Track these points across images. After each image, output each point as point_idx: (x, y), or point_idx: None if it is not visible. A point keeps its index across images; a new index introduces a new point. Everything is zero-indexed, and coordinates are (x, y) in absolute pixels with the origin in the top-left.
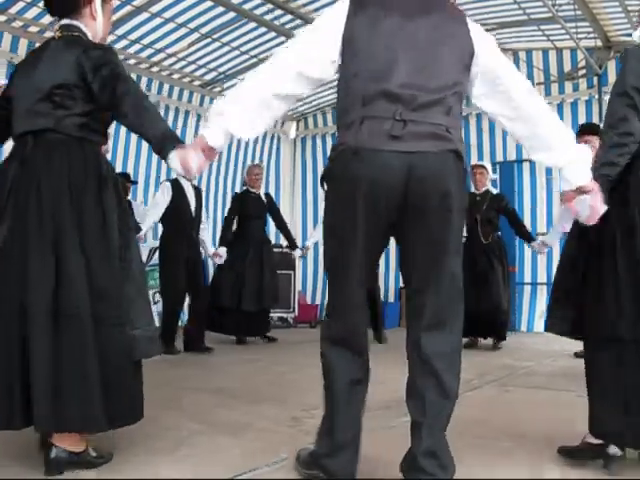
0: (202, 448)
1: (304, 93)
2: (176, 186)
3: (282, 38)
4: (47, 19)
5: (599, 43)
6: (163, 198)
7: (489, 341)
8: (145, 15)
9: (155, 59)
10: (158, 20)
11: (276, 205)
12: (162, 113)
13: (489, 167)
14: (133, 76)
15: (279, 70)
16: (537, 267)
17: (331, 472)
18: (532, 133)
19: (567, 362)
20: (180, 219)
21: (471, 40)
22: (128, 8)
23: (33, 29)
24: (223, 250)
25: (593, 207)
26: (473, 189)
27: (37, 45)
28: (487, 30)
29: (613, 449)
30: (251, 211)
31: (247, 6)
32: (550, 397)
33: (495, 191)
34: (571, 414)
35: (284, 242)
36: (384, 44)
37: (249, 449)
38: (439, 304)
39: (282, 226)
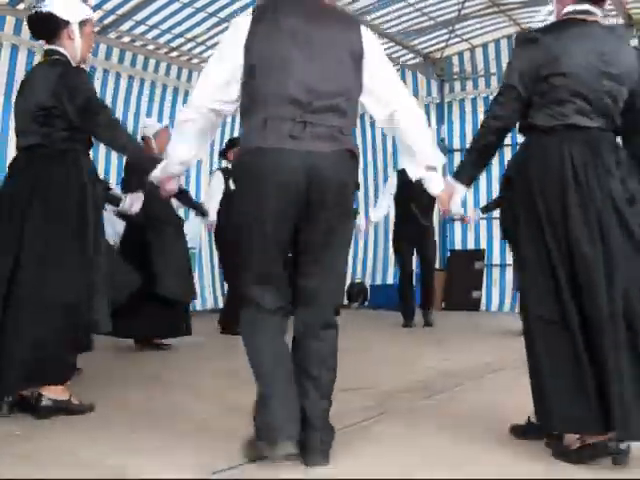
0: (219, 431)
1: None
2: (228, 174)
3: None
4: None
5: (620, 21)
6: (219, 186)
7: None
8: (163, 0)
9: (174, 44)
10: (176, 5)
11: None
12: (181, 98)
13: None
14: (152, 62)
15: (199, 110)
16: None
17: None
18: (399, 141)
19: None
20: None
21: (362, 46)
22: None
23: None
24: None
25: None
26: None
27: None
28: (508, 10)
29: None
30: None
31: None
32: None
33: None
34: None
35: None
36: (282, 52)
37: None
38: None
39: None
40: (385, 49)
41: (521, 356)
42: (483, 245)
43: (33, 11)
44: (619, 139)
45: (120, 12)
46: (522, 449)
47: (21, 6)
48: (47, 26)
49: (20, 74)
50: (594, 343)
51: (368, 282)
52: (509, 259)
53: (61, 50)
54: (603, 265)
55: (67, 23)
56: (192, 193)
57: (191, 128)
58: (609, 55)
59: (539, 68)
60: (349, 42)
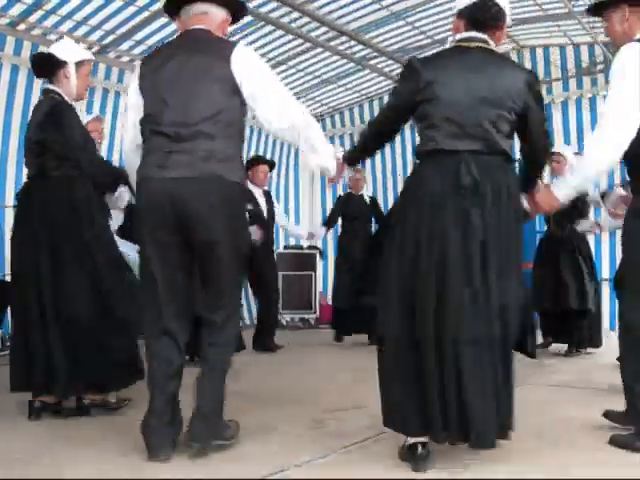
0: (225, 452)
1: None
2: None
3: (300, 40)
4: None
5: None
6: None
7: None
8: (162, 20)
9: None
10: (175, 26)
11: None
12: None
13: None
14: None
15: (131, 151)
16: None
17: None
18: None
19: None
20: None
21: (231, 72)
22: (145, 14)
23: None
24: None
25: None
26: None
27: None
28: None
29: None
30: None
31: (263, 10)
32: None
33: None
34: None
35: (305, 243)
36: (158, 91)
37: (270, 452)
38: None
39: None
40: (383, 66)
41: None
42: None
43: (37, 52)
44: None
45: (119, 32)
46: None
47: (21, 27)
48: (47, 66)
49: (20, 94)
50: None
51: None
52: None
53: (56, 89)
54: (435, 289)
55: (65, 63)
56: None
57: (133, 160)
58: (487, 80)
59: (415, 94)
60: (218, 69)
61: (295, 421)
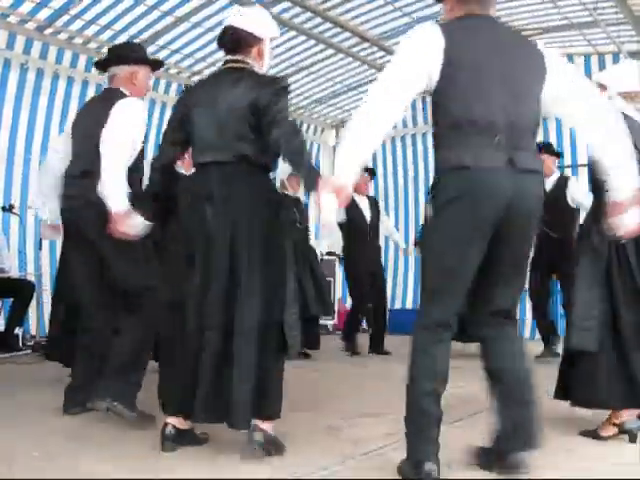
0: (239, 458)
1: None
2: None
3: (322, 46)
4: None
5: None
6: None
7: None
8: (186, 25)
9: (196, 68)
10: (199, 30)
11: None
12: None
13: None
14: (174, 85)
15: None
16: None
17: None
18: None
19: None
20: (356, 229)
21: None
22: (169, 19)
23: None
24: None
25: None
26: None
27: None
28: (529, 35)
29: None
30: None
31: (286, 15)
32: None
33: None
34: None
35: (324, 249)
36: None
37: (286, 459)
38: None
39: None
40: None
41: (540, 381)
42: None
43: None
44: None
45: (143, 37)
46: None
47: (48, 31)
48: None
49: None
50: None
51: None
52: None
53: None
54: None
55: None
56: None
57: None
58: (221, 97)
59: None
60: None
61: (311, 427)
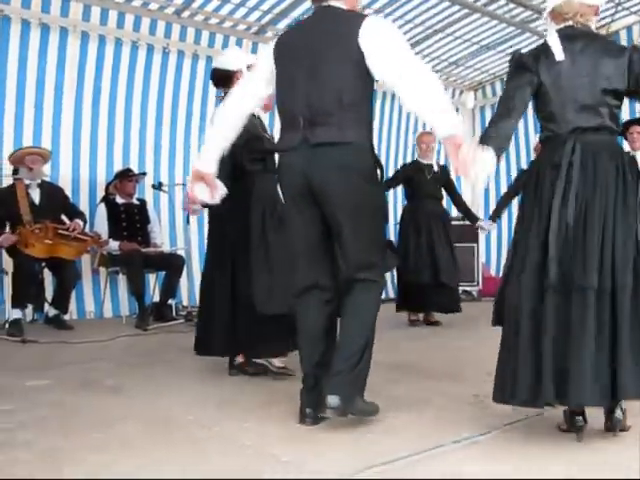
0: (378, 425)
1: None
2: None
3: (456, 7)
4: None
5: None
6: None
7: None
8: None
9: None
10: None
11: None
12: None
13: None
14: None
15: None
16: None
17: None
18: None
19: None
20: None
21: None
22: None
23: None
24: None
25: None
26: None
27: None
28: None
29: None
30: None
31: None
32: None
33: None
34: None
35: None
36: None
37: (426, 426)
38: None
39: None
40: (545, 28)
41: None
42: None
43: None
44: None
45: (275, 12)
46: None
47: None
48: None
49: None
50: None
51: None
52: None
53: None
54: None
55: None
56: None
57: None
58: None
59: None
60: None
61: (454, 396)
